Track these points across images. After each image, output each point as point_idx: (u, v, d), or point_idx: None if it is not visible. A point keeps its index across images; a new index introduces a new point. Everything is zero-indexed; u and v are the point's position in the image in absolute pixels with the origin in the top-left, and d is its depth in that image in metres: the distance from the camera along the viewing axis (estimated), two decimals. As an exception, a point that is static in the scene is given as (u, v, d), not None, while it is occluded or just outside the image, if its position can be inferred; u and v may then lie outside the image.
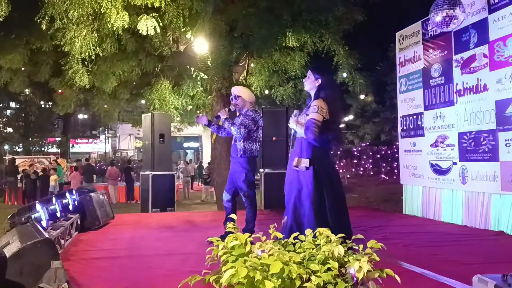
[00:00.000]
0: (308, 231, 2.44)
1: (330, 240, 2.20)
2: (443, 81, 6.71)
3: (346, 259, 2.11)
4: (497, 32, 5.65)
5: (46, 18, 8.20)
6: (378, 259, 2.14)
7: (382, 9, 11.52)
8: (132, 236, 5.48)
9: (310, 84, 3.99)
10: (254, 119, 4.94)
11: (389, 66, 16.02)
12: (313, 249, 2.22)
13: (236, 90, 5.15)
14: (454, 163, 6.41)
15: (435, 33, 6.87)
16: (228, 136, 5.29)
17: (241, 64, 9.99)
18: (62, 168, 16.80)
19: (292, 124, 3.99)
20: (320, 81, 3.94)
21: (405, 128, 7.72)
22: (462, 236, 5.56)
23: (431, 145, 6.95)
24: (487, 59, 5.80)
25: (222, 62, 8.72)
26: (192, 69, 11.14)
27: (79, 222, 5.94)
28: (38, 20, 8.30)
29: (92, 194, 6.41)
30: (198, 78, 11.35)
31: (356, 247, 2.37)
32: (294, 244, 2.39)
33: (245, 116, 4.96)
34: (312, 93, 4.00)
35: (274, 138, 8.42)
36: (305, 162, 3.79)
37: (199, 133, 28.10)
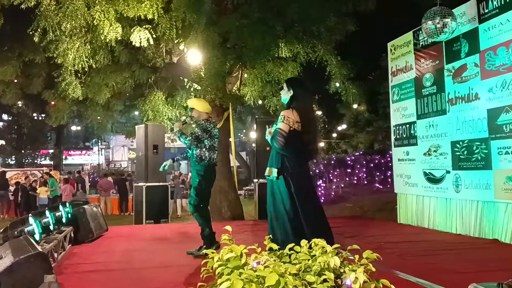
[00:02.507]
0: (303, 242, 2.44)
1: (326, 251, 2.20)
2: (435, 90, 6.76)
3: (342, 270, 2.10)
4: (487, 41, 5.72)
5: (39, 30, 8.21)
6: (374, 269, 2.13)
7: (374, 19, 11.61)
8: (126, 248, 5.44)
9: (284, 95, 4.21)
10: (205, 128, 5.13)
11: (382, 76, 16.10)
12: (308, 260, 2.22)
13: (190, 103, 5.45)
14: (448, 172, 6.44)
15: (426, 43, 6.94)
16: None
17: (234, 75, 10.02)
18: (55, 180, 16.64)
19: (266, 135, 4.17)
20: (292, 92, 4.13)
21: (398, 137, 7.76)
22: (457, 244, 5.56)
23: (424, 154, 6.98)
24: (478, 68, 5.86)
25: (215, 73, 8.74)
26: (186, 80, 11.16)
27: (72, 235, 5.88)
28: (31, 33, 8.30)
29: (85, 206, 6.35)
30: (192, 89, 11.36)
31: (351, 257, 2.36)
32: (290, 255, 2.38)
33: (197, 126, 5.23)
34: (286, 103, 4.22)
35: (268, 148, 8.41)
36: (274, 172, 3.96)
37: (192, 143, 28.00)
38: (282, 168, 3.94)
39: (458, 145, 6.25)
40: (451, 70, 6.39)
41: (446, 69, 6.50)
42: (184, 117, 5.40)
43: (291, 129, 3.95)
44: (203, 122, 5.18)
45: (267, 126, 4.26)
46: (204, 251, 4.66)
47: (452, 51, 6.37)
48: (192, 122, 5.36)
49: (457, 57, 6.27)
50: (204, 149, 5.09)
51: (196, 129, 5.19)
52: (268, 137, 4.14)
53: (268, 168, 4.00)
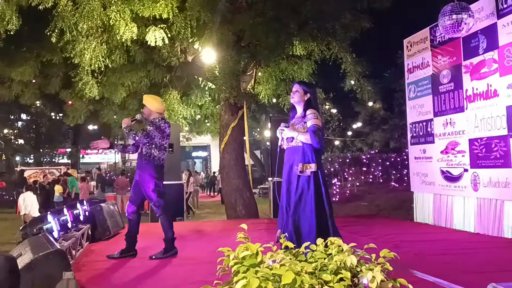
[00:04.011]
0: (319, 240, 2.43)
1: (342, 250, 2.19)
2: (452, 87, 6.67)
3: (358, 269, 2.09)
4: (506, 37, 5.62)
5: (56, 31, 8.31)
6: (391, 268, 2.11)
7: (390, 16, 11.51)
8: (142, 246, 5.47)
9: (299, 97, 4.25)
10: (159, 127, 4.87)
11: (397, 73, 15.97)
12: (324, 258, 2.21)
13: (144, 100, 5.12)
14: (466, 170, 6.35)
15: (443, 39, 6.85)
16: (134, 152, 5.14)
17: (248, 73, 10.02)
18: (75, 178, 16.84)
19: (289, 133, 4.15)
20: (309, 95, 4.25)
21: (414, 135, 7.68)
22: (475, 244, 5.48)
23: (442, 152, 6.89)
24: (497, 65, 5.76)
25: (229, 72, 8.76)
26: (200, 79, 11.21)
27: (90, 232, 5.96)
28: (48, 33, 8.41)
29: (102, 204, 6.43)
30: (206, 88, 11.41)
31: (367, 256, 2.35)
32: (306, 254, 2.38)
33: (150, 124, 4.93)
34: (299, 106, 4.28)
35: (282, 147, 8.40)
36: (312, 167, 3.99)
37: (207, 142, 28.18)
38: (316, 163, 4.01)
39: (476, 143, 6.16)
40: (469, 66, 6.30)
41: (464, 66, 6.40)
42: (138, 115, 5.14)
43: (322, 124, 4.12)
44: (157, 120, 4.90)
45: (281, 126, 4.24)
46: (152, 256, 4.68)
47: (470, 47, 6.27)
48: (143, 119, 5.10)
49: (475, 53, 6.17)
50: (153, 148, 4.85)
51: (149, 126, 4.89)
52: (292, 134, 4.11)
53: (301, 164, 3.99)
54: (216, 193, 23.23)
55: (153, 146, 4.86)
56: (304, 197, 3.96)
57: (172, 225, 5.00)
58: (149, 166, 4.85)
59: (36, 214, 10.50)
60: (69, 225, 5.35)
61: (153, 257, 4.85)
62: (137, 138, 4.82)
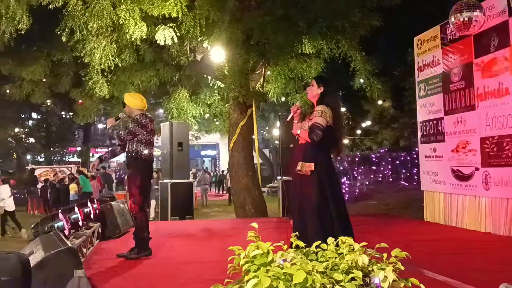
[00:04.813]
0: (330, 240, 2.42)
1: (353, 249, 2.17)
2: (463, 85, 6.61)
3: (370, 268, 2.07)
4: (518, 34, 5.55)
5: (66, 30, 8.39)
6: (403, 268, 2.09)
7: (399, 13, 11.42)
8: (152, 244, 5.51)
9: (313, 91, 4.17)
10: (140, 122, 4.89)
11: (407, 71, 15.86)
12: (336, 258, 2.19)
13: (124, 99, 5.15)
14: (477, 169, 6.29)
15: (454, 37, 6.78)
16: (122, 151, 5.18)
17: (257, 72, 10.02)
18: (85, 176, 16.95)
19: (296, 130, 4.13)
20: (323, 88, 4.12)
21: (425, 133, 7.62)
22: (486, 243, 5.43)
23: (452, 151, 6.83)
24: (509, 62, 5.69)
25: (238, 71, 8.76)
26: (209, 78, 11.23)
27: (100, 230, 6.00)
28: (59, 33, 8.49)
29: (112, 203, 6.47)
30: (215, 87, 11.43)
31: (378, 255, 2.33)
32: (317, 253, 2.37)
33: (132, 121, 4.96)
34: (314, 101, 4.19)
35: (291, 146, 8.39)
36: (310, 166, 3.91)
37: (216, 141, 28.24)
38: (315, 163, 3.91)
39: (487, 142, 6.10)
40: (480, 64, 6.23)
41: (475, 64, 6.34)
42: (121, 113, 5.17)
43: (327, 124, 3.94)
44: (138, 117, 4.92)
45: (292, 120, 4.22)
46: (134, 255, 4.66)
47: (481, 45, 6.20)
48: (126, 118, 5.13)
49: (487, 51, 6.10)
50: (139, 144, 4.86)
51: (130, 123, 4.93)
52: (297, 130, 4.07)
53: (300, 163, 3.94)
54: (224, 192, 23.24)
55: (139, 142, 4.87)
56: (307, 197, 3.93)
57: (148, 225, 4.97)
58: (136, 162, 4.88)
59: (11, 207, 10.33)
60: (80, 223, 5.39)
61: (126, 256, 4.78)
62: (121, 136, 4.87)
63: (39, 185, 17.74)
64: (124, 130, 4.87)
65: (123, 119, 5.15)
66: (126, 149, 4.97)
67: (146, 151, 4.90)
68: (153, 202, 13.14)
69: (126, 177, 5.18)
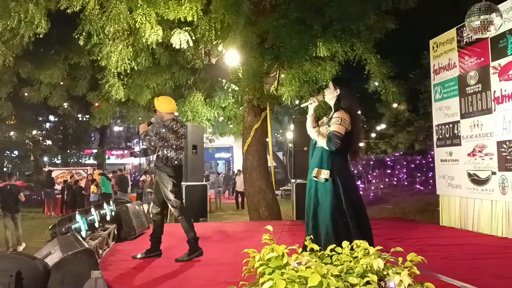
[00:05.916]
0: (345, 243, 2.42)
1: (368, 253, 2.17)
2: (480, 89, 6.54)
3: (385, 272, 2.07)
4: (536, 37, 5.48)
5: (84, 34, 8.51)
6: (418, 272, 2.09)
7: (415, 16, 11.34)
8: (167, 246, 5.55)
9: (330, 94, 4.04)
10: (171, 128, 4.95)
11: (423, 74, 15.71)
12: (350, 261, 2.20)
13: (155, 104, 5.23)
14: (494, 173, 6.21)
15: (470, 40, 6.72)
16: (153, 154, 5.23)
17: (272, 75, 10.03)
18: (105, 178, 17.10)
19: (313, 134, 4.03)
20: (339, 91, 3.98)
21: (440, 137, 7.55)
22: (503, 248, 5.36)
23: (469, 155, 6.76)
24: (527, 66, 5.62)
25: (253, 74, 8.78)
26: (224, 81, 11.28)
27: (115, 232, 6.07)
28: (76, 36, 8.62)
29: (128, 204, 6.54)
30: (230, 90, 11.48)
31: (393, 260, 2.33)
32: (331, 257, 2.37)
33: (162, 126, 5.01)
34: (332, 104, 4.05)
35: (305, 149, 8.38)
36: (325, 174, 3.80)
37: (230, 143, 28.31)
38: (332, 170, 3.79)
39: (504, 145, 6.02)
40: (497, 67, 6.16)
41: (492, 67, 6.27)
42: (153, 118, 5.23)
43: (347, 130, 3.81)
44: (168, 121, 4.99)
45: (309, 102, 4.17)
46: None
47: (498, 48, 6.14)
48: (158, 121, 5.18)
49: (503, 54, 6.04)
50: (170, 150, 4.93)
51: (162, 129, 4.98)
52: (314, 135, 3.97)
53: (316, 169, 3.84)
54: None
55: (169, 147, 4.95)
56: (322, 203, 3.81)
57: (192, 226, 5.04)
58: (167, 167, 4.95)
59: None
60: (96, 224, 5.47)
61: (179, 259, 4.87)
62: (152, 142, 4.95)
63: (56, 187, 17.99)
64: (156, 136, 4.95)
65: (155, 124, 5.24)
66: (157, 153, 5.04)
67: (176, 156, 4.99)
68: (145, 207, 13.06)
69: (156, 179, 5.21)
